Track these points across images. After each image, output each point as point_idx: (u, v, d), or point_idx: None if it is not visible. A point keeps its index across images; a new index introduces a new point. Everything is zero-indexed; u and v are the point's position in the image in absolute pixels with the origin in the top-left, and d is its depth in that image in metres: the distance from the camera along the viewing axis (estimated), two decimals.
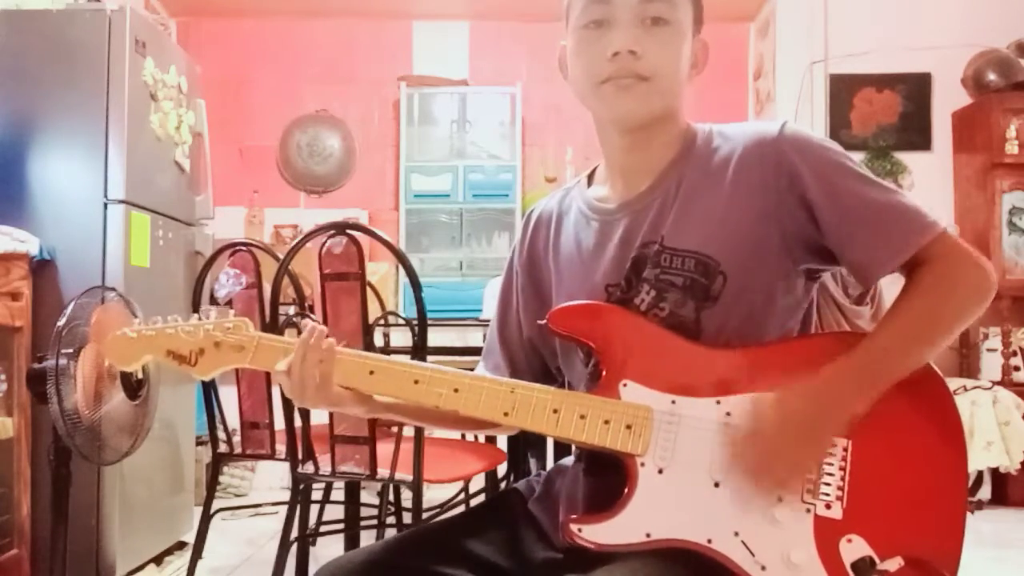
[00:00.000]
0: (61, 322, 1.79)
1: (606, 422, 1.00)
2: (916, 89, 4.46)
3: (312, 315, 1.98)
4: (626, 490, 0.98)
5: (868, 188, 1.04)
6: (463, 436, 2.92)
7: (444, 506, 2.98)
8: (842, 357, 0.99)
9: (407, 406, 1.13)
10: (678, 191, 1.09)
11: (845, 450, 0.98)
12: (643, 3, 1.05)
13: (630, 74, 1.05)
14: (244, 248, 2.28)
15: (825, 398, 0.97)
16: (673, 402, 1.00)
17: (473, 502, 3.05)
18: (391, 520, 2.58)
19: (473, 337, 3.61)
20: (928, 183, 4.43)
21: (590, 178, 1.23)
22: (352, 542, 2.46)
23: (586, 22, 1.07)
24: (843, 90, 4.48)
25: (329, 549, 2.88)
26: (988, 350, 4.19)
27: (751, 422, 0.97)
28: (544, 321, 1.09)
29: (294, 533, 2.04)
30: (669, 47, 1.06)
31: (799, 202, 1.04)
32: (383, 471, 1.90)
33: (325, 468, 1.94)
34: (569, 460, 1.19)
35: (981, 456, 3.66)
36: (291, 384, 1.05)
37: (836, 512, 0.96)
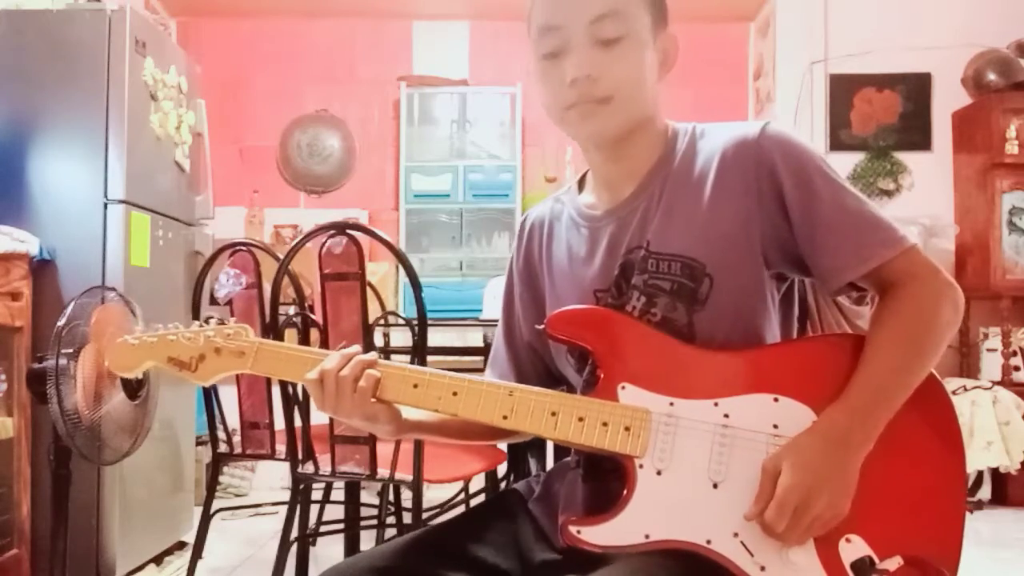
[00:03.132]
0: (61, 322, 1.80)
1: (604, 424, 1.00)
2: (916, 89, 4.46)
3: (312, 315, 1.99)
4: (625, 492, 0.98)
5: (844, 195, 1.04)
6: None
7: (444, 506, 2.98)
8: (840, 399, 0.97)
9: (432, 423, 1.13)
10: (662, 195, 1.10)
11: None
12: (593, 25, 1.04)
13: (590, 99, 1.05)
14: (244, 248, 2.28)
15: (839, 446, 0.95)
16: (671, 404, 1.00)
17: (473, 502, 3.05)
18: (391, 520, 2.58)
19: (473, 337, 3.62)
20: (928, 183, 4.43)
21: (581, 183, 1.23)
22: (352, 542, 2.46)
23: (544, 53, 1.08)
24: (843, 90, 4.47)
25: (329, 549, 2.88)
26: (988, 350, 4.19)
27: (780, 493, 0.92)
28: (542, 326, 1.09)
29: (294, 533, 2.04)
30: (627, 63, 1.05)
31: (776, 200, 1.04)
32: (383, 471, 1.90)
33: (325, 468, 1.94)
34: (568, 461, 1.19)
35: (981, 456, 3.66)
36: (324, 394, 1.04)
37: None
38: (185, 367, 1.11)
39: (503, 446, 2.49)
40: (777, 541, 0.94)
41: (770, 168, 1.04)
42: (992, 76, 4.20)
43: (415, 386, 1.05)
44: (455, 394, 1.04)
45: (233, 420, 2.31)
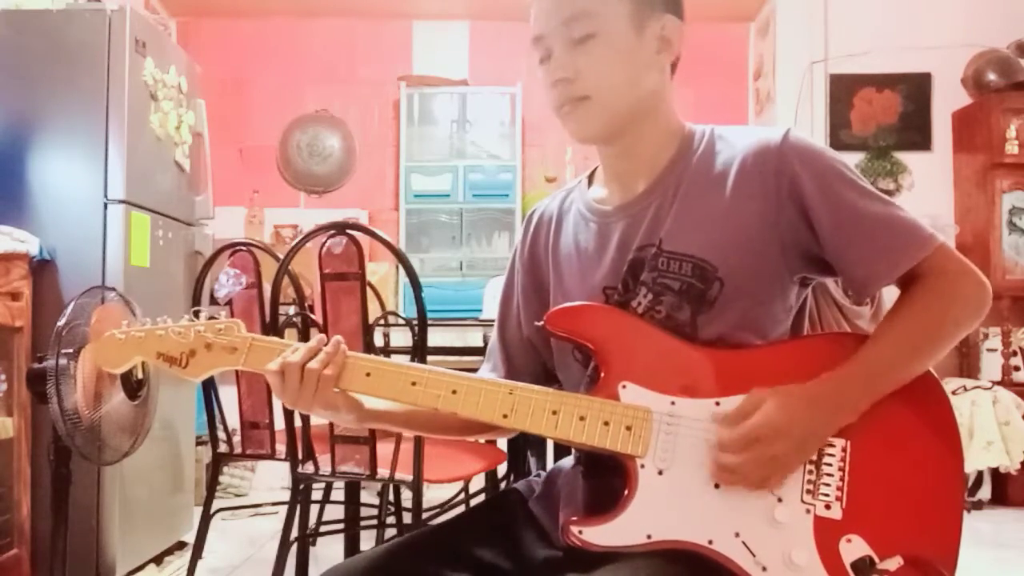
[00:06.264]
0: (61, 322, 1.79)
1: (605, 423, 1.00)
2: (916, 89, 4.46)
3: (312, 315, 1.98)
4: (626, 492, 0.98)
5: (868, 200, 1.04)
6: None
7: (444, 506, 2.98)
8: (842, 366, 0.99)
9: (398, 414, 1.13)
10: (676, 194, 1.09)
11: (844, 451, 0.98)
12: (565, 27, 1.07)
13: (568, 99, 1.08)
14: (244, 248, 2.27)
15: (825, 408, 0.98)
16: (672, 403, 1.00)
17: (473, 502, 3.05)
18: (391, 520, 2.58)
19: (473, 337, 3.61)
20: (928, 183, 4.43)
21: (591, 178, 1.23)
22: (352, 542, 2.46)
23: (538, 59, 1.12)
24: (843, 90, 4.48)
25: (329, 549, 2.88)
26: (988, 350, 4.19)
27: (754, 421, 0.96)
28: (541, 323, 1.09)
29: (294, 533, 2.04)
30: (599, 60, 1.07)
31: (798, 210, 1.04)
32: (383, 471, 1.90)
33: (325, 468, 1.94)
34: (569, 460, 1.19)
35: (981, 456, 3.66)
36: (284, 385, 1.05)
37: (835, 512, 0.96)
38: (175, 363, 1.08)
39: (503, 445, 2.49)
40: (737, 472, 0.95)
41: (791, 176, 1.04)
42: (992, 76, 4.20)
43: (414, 384, 1.04)
44: (454, 392, 1.03)
45: (233, 420, 2.30)
